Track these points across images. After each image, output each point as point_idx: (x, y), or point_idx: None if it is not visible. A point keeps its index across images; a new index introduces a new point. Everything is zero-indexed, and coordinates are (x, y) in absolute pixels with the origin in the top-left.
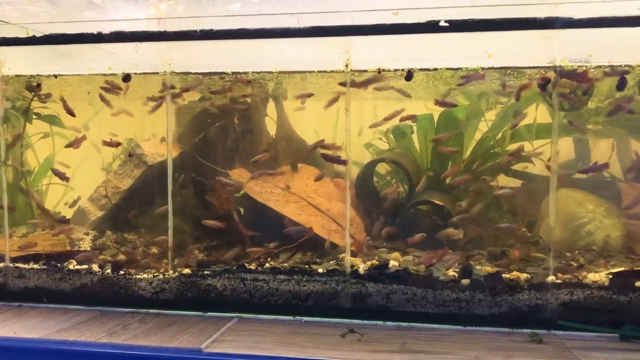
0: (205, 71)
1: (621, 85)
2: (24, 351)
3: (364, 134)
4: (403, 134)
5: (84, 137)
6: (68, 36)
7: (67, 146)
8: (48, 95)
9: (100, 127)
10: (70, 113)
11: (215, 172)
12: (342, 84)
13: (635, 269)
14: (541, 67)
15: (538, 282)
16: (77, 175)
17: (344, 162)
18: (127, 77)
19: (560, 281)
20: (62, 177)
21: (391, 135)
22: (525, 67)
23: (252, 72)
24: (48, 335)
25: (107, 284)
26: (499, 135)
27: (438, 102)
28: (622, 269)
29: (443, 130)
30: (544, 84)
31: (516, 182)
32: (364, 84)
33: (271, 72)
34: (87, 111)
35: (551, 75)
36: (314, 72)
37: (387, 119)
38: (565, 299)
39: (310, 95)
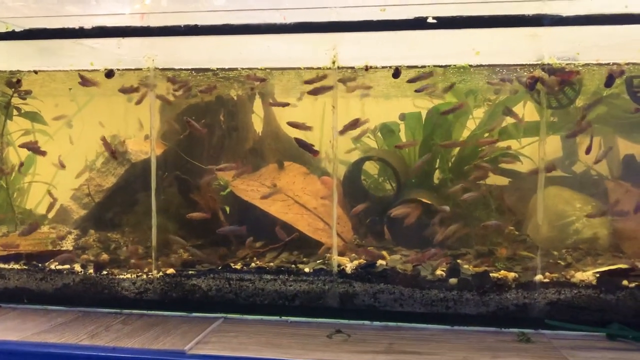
0: (189, 67)
1: (609, 82)
2: (3, 353)
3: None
4: (391, 131)
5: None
6: (49, 31)
7: (22, 146)
8: (28, 92)
9: (83, 124)
10: (113, 155)
11: (200, 170)
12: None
13: (622, 267)
14: (529, 65)
15: (526, 281)
16: (60, 173)
17: (315, 152)
18: (110, 73)
19: (548, 280)
20: (37, 150)
21: (379, 133)
22: (514, 65)
23: (242, 68)
24: (28, 337)
25: (89, 284)
26: (487, 134)
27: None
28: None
29: (430, 127)
30: (532, 82)
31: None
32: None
33: (257, 69)
34: (70, 108)
35: (538, 72)
36: (300, 68)
37: (344, 129)
38: (553, 298)
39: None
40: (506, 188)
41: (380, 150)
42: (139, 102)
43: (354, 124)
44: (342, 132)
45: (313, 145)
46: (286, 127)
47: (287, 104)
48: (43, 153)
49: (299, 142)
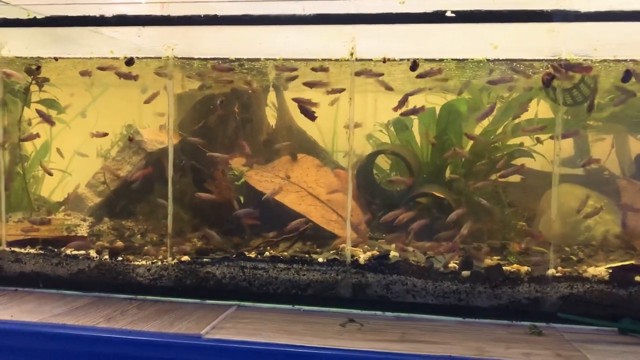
0: (209, 57)
1: (626, 78)
2: (22, 334)
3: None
4: (404, 126)
5: (37, 135)
6: (70, 18)
7: (22, 140)
8: (45, 79)
9: (98, 113)
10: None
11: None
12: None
13: (634, 263)
14: (546, 60)
15: (538, 275)
16: (75, 160)
17: (314, 118)
18: (130, 61)
19: (560, 274)
20: (48, 119)
21: (392, 128)
22: (531, 60)
23: (264, 58)
24: (46, 319)
25: (104, 270)
26: (500, 130)
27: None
28: (621, 263)
29: (444, 123)
30: (549, 79)
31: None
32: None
33: (276, 59)
34: (85, 97)
35: (555, 69)
36: (317, 60)
37: (399, 105)
38: (565, 292)
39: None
40: (518, 185)
41: (393, 144)
42: (149, 100)
43: (405, 100)
44: (395, 109)
45: (314, 112)
46: (299, 120)
47: (343, 90)
48: (52, 123)
49: (301, 107)
